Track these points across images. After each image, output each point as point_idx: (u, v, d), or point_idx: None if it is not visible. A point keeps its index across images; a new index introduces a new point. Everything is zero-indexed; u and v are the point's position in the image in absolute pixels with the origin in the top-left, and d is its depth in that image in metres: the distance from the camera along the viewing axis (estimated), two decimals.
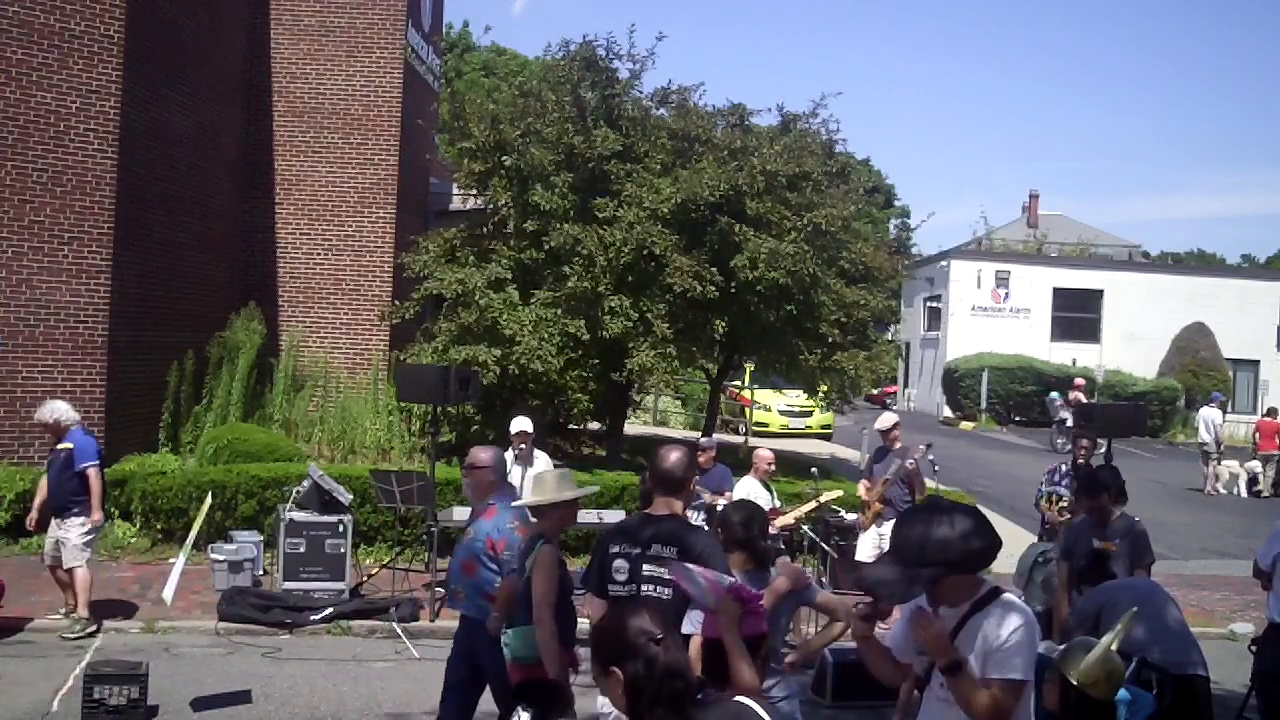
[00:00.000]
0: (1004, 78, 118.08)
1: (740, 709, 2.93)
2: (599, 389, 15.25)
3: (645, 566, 4.57)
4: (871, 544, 10.52)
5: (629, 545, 4.64)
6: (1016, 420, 33.05)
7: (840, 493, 11.91)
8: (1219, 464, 21.45)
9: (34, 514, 9.36)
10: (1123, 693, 4.66)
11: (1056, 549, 7.35)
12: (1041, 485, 10.38)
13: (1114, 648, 3.73)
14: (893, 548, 3.45)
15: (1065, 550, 6.74)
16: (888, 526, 10.40)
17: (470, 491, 6.05)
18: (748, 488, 10.29)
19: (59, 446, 9.11)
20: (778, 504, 10.69)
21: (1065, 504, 9.90)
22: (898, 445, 10.77)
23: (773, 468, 10.50)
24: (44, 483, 9.26)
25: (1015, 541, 14.52)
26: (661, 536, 4.58)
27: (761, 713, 2.93)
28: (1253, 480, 21.53)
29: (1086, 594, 5.85)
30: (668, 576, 4.49)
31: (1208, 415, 21.60)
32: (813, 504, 11.29)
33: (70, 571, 8.98)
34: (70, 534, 8.98)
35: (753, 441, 21.28)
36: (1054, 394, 28.07)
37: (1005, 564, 13.63)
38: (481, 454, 6.05)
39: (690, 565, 4.09)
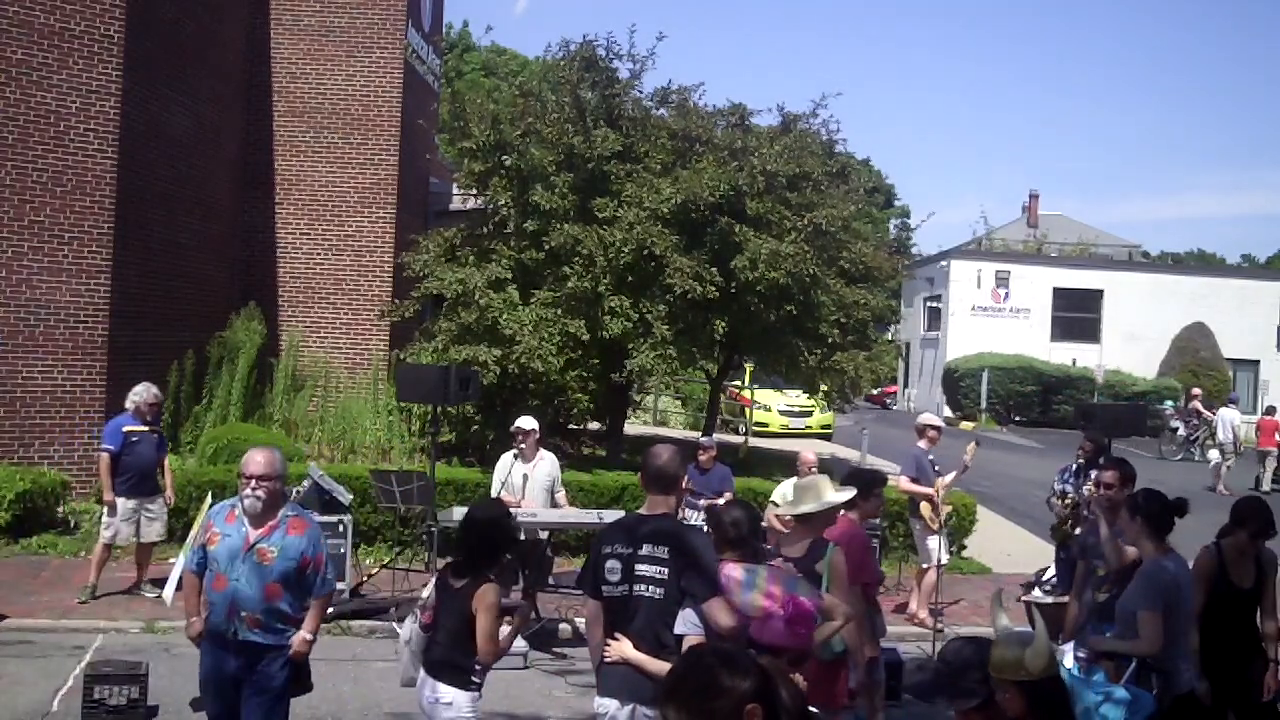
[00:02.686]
0: (1004, 77, 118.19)
1: None
2: (599, 389, 15.25)
3: (638, 566, 4.56)
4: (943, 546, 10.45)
5: (622, 545, 4.63)
6: (1016, 420, 33.05)
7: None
8: (1234, 463, 21.59)
9: (110, 495, 9.84)
10: (1122, 692, 4.66)
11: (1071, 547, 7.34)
12: (1054, 484, 10.42)
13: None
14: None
15: (1080, 549, 6.70)
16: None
17: (259, 505, 5.17)
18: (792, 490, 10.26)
19: (149, 430, 9.98)
20: None
21: (1070, 499, 9.90)
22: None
23: (814, 470, 10.26)
24: (108, 462, 9.79)
25: (1016, 541, 14.58)
26: (654, 535, 4.58)
27: None
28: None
29: (1147, 577, 5.56)
30: (660, 576, 4.50)
31: (1226, 416, 21.78)
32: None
33: (151, 545, 10.06)
34: (160, 510, 10.05)
35: (752, 442, 21.29)
36: (1169, 402, 27.76)
37: (1006, 564, 13.62)
38: (271, 456, 5.27)
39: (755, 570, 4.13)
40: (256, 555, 5.11)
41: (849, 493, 5.56)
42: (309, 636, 5.22)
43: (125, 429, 9.84)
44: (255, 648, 5.11)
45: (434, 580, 5.26)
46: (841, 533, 5.78)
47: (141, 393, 10.03)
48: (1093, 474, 9.94)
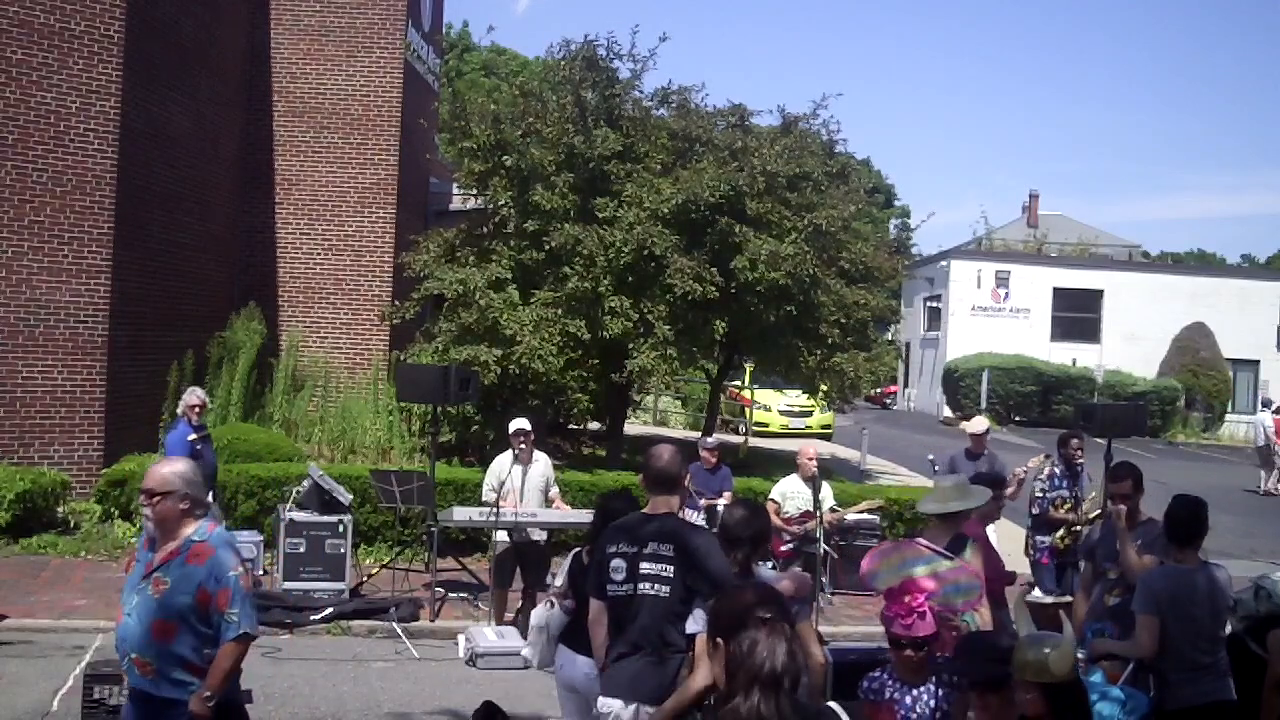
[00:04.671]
0: (1004, 77, 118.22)
1: (825, 712, 3.01)
2: (599, 389, 15.26)
3: (643, 565, 4.57)
4: None
5: (626, 545, 4.64)
6: (1016, 420, 33.04)
7: (881, 501, 12.03)
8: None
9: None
10: (1117, 691, 4.68)
11: (1081, 549, 7.31)
12: (1044, 492, 10.20)
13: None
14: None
15: (1088, 550, 6.66)
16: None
17: (151, 526, 4.47)
18: (791, 487, 10.26)
19: (204, 434, 9.94)
20: (831, 503, 10.68)
21: (1070, 504, 9.87)
22: (986, 451, 10.79)
23: (815, 467, 10.25)
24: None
25: (1016, 541, 14.52)
26: (658, 535, 4.59)
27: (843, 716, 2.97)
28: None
29: (1143, 582, 5.44)
30: (665, 575, 4.52)
31: (1262, 420, 22.09)
32: (864, 504, 11.55)
33: None
34: (217, 514, 9.70)
35: (752, 442, 21.30)
36: (1264, 410, 24.97)
37: (1006, 564, 13.65)
38: (165, 470, 4.44)
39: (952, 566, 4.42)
40: (151, 586, 4.31)
41: (987, 493, 5.97)
42: (206, 694, 4.20)
43: (189, 438, 9.76)
44: (149, 701, 4.29)
45: (568, 569, 5.58)
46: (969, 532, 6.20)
47: (186, 397, 10.11)
48: (1088, 478, 9.97)
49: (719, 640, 2.79)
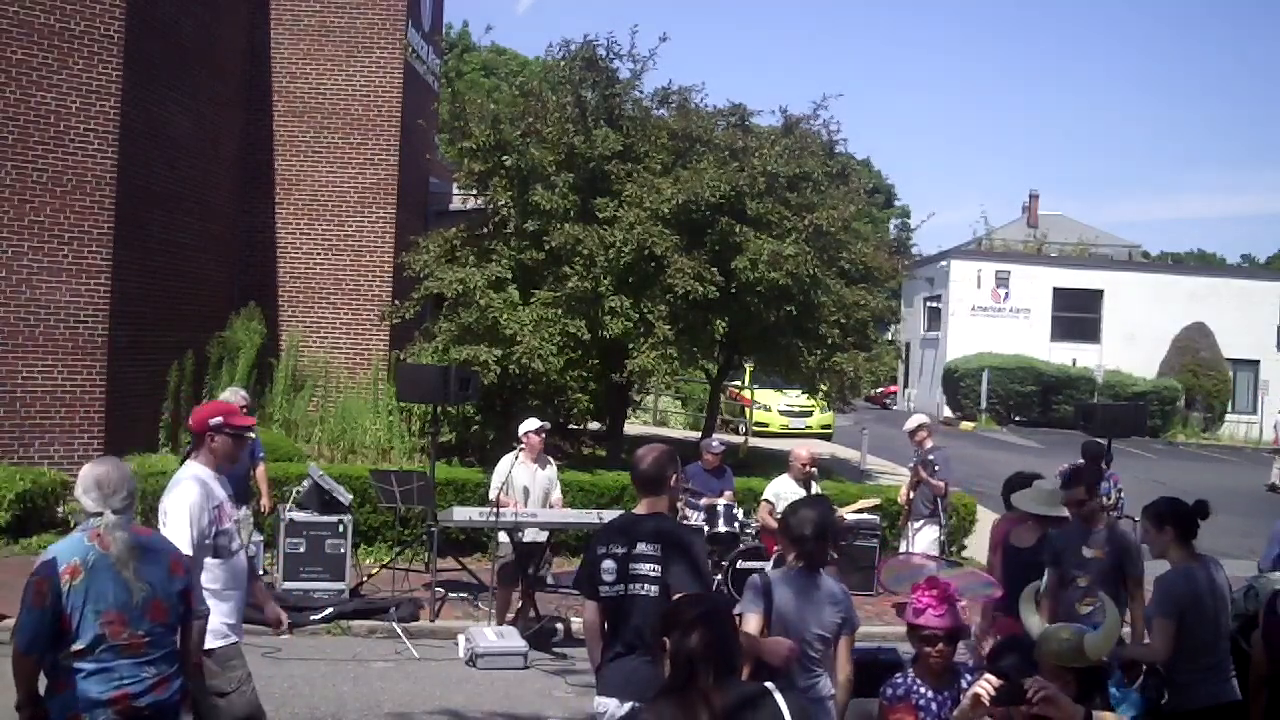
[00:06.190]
0: (1004, 78, 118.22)
1: (760, 693, 3.10)
2: (599, 389, 15.25)
3: (632, 565, 4.60)
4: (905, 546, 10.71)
5: (617, 545, 4.67)
6: (1016, 420, 33.06)
7: (879, 500, 12.08)
8: None
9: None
10: (1114, 691, 4.69)
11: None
12: None
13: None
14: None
15: (1053, 556, 6.35)
16: (924, 532, 10.56)
17: None
18: (785, 488, 10.28)
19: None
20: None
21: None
22: (926, 446, 10.83)
23: (810, 468, 10.27)
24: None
25: None
26: (648, 535, 4.63)
27: (780, 701, 3.05)
28: None
29: (1166, 585, 5.38)
30: (654, 574, 4.55)
31: None
32: (861, 503, 11.64)
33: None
34: (245, 519, 9.50)
35: (752, 442, 21.30)
36: None
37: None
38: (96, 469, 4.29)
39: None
40: None
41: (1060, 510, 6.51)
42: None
43: None
44: None
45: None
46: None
47: (229, 396, 9.91)
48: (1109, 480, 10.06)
49: (664, 639, 3.18)
